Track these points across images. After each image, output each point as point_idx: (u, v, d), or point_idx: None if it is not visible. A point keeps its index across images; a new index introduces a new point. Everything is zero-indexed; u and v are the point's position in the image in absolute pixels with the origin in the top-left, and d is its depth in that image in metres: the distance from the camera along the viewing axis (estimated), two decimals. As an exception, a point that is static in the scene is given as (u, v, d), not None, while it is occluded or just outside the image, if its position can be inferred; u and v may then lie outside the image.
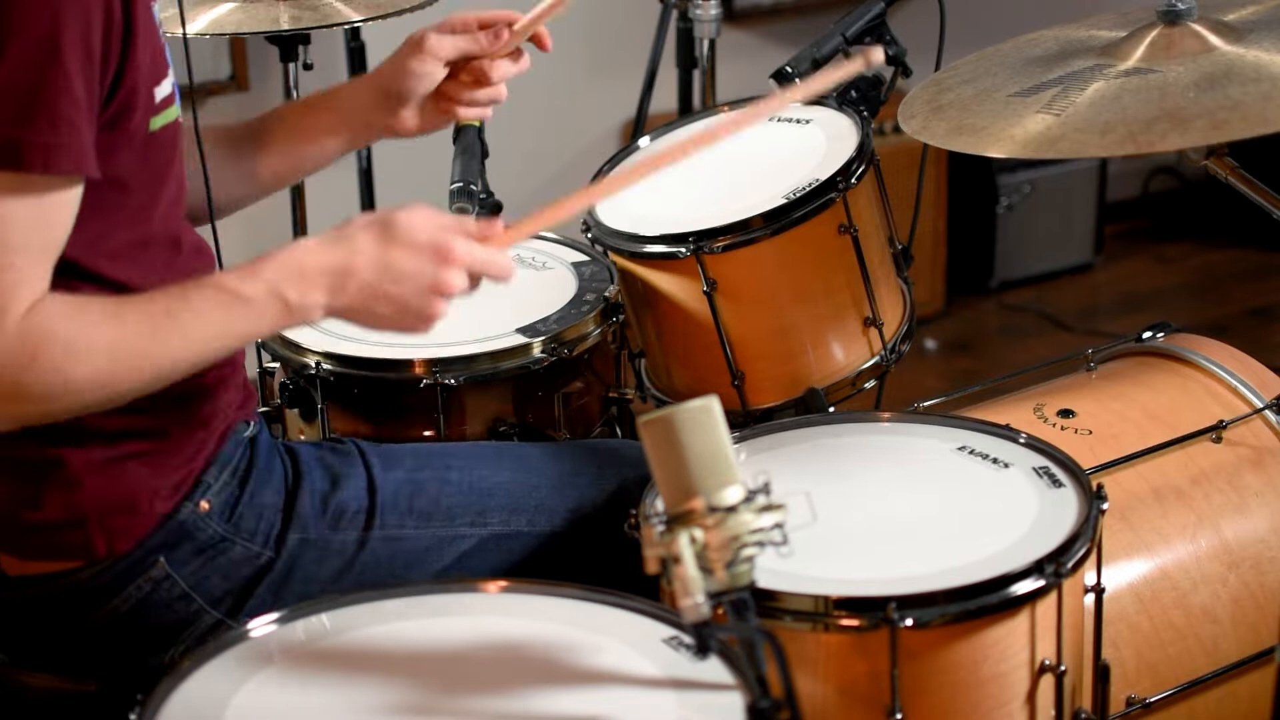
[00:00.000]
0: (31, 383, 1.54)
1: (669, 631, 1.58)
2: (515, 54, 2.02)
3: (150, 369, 1.59)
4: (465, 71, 2.01)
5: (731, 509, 1.43)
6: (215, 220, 1.97)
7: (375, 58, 3.44)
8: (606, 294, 2.24)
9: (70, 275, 1.64)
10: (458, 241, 1.63)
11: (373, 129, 2.04)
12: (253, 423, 1.85)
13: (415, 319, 1.64)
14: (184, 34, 1.91)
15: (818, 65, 2.46)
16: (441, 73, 1.99)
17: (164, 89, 1.70)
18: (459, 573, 1.87)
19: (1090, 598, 1.84)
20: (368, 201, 3.50)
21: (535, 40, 2.02)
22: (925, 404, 2.16)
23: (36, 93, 1.53)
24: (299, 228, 3.05)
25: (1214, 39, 1.90)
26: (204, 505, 1.77)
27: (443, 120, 2.05)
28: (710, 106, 2.81)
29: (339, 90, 2.03)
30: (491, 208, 2.49)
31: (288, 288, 1.61)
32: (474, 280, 1.66)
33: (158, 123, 1.69)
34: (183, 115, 1.78)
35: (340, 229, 1.65)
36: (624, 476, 1.97)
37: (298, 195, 3.02)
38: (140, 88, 1.65)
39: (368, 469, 1.89)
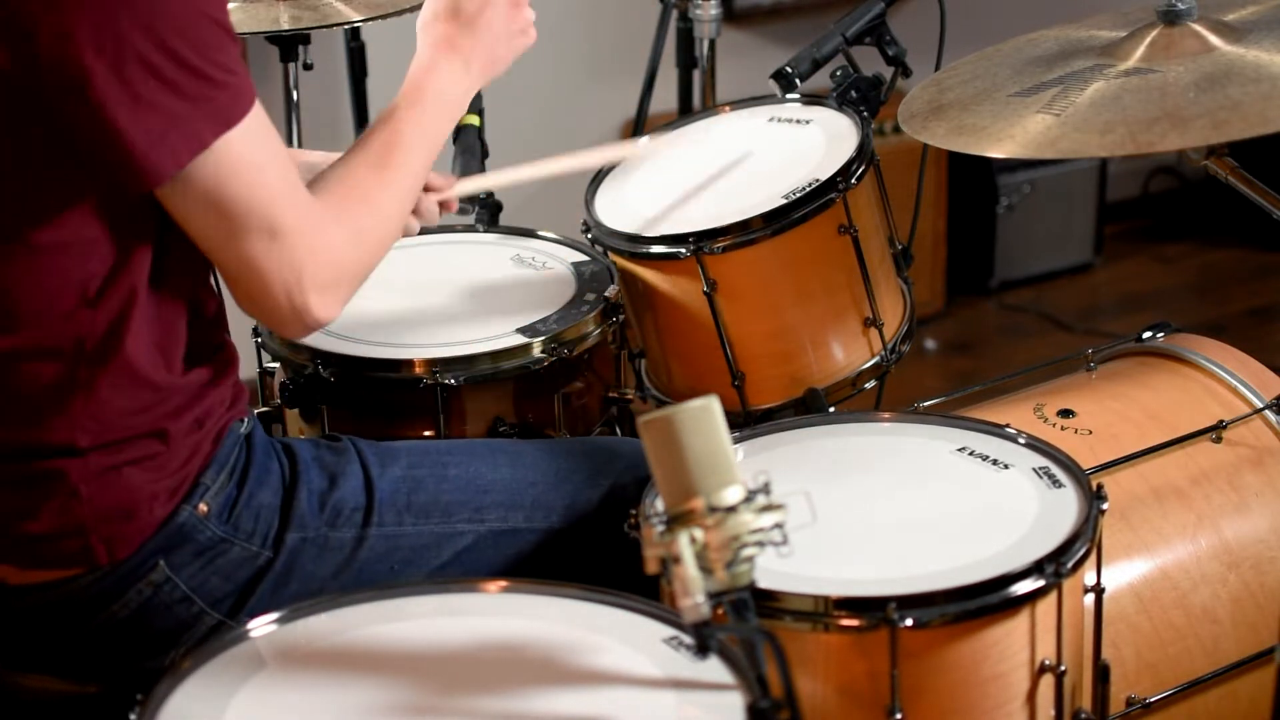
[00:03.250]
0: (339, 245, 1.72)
1: (669, 631, 1.58)
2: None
3: (385, 228, 1.80)
4: None
5: (731, 509, 1.43)
6: None
7: (375, 58, 3.45)
8: (606, 294, 2.24)
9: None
10: None
11: None
12: (246, 419, 1.85)
13: (523, 31, 2.02)
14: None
15: (817, 65, 2.46)
16: None
17: None
18: (457, 570, 1.88)
19: (1090, 598, 1.84)
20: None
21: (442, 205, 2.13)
22: (925, 404, 2.16)
23: (222, 42, 1.63)
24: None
25: (1214, 39, 1.90)
26: (202, 508, 1.77)
27: None
28: (710, 106, 2.81)
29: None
30: (492, 208, 2.50)
31: (440, 70, 1.92)
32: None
33: None
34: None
35: (421, 32, 1.96)
36: (622, 473, 1.97)
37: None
38: None
39: (365, 466, 1.89)
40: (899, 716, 1.64)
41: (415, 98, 1.88)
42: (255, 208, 1.65)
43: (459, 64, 1.93)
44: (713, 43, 3.09)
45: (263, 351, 2.23)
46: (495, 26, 1.96)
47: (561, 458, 2.00)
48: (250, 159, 1.65)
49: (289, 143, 2.95)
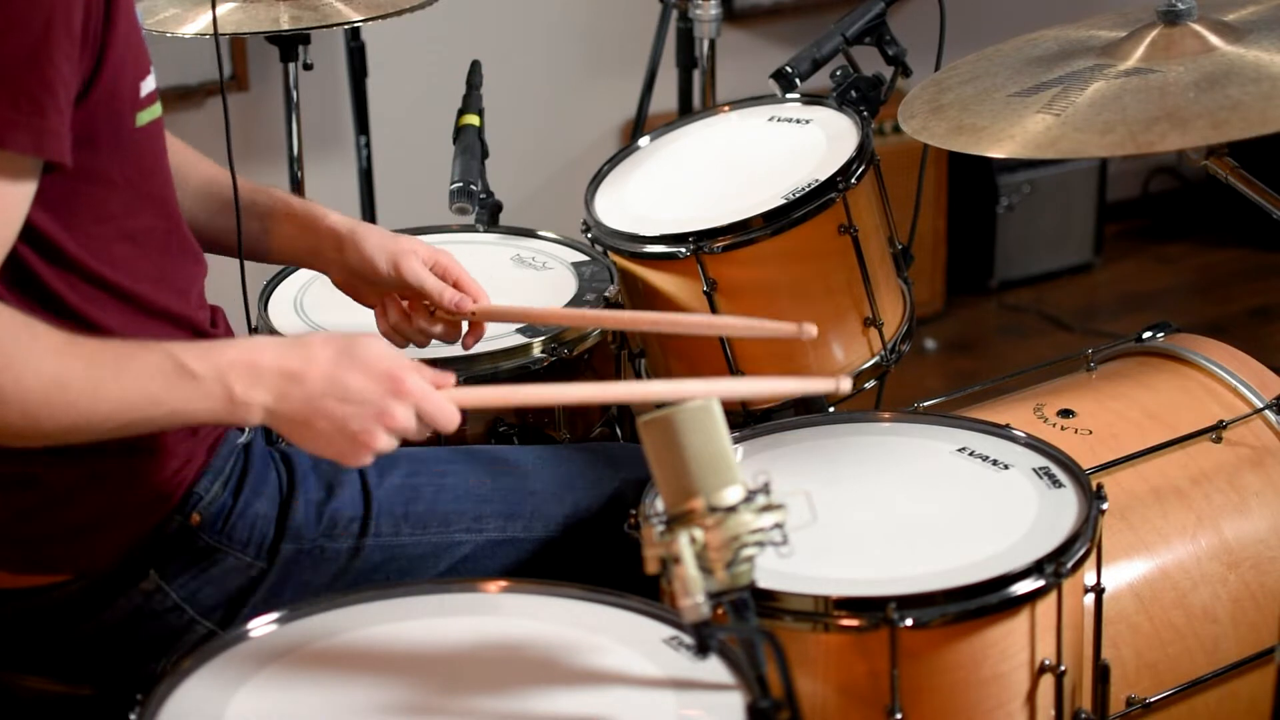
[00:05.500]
0: None
1: (669, 631, 1.58)
2: (456, 328, 2.03)
3: (81, 415, 1.54)
4: (410, 300, 2.03)
5: (731, 509, 1.43)
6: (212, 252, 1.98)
7: (375, 58, 3.46)
8: (606, 294, 2.23)
9: (62, 266, 1.64)
10: (412, 377, 1.60)
11: (325, 268, 2.06)
12: (246, 430, 1.84)
13: (352, 444, 1.58)
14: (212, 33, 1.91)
15: (817, 65, 2.46)
16: (394, 287, 2.01)
17: (148, 84, 1.70)
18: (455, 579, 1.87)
19: (1090, 598, 1.84)
20: (368, 201, 3.50)
21: (473, 331, 2.04)
22: (925, 404, 2.16)
23: (3, 70, 1.51)
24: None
25: (1214, 39, 1.90)
26: (195, 517, 1.76)
27: (368, 305, 2.06)
28: (710, 106, 2.81)
29: (320, 223, 2.03)
30: (491, 208, 2.50)
31: (235, 378, 1.56)
32: (419, 423, 1.62)
33: (144, 118, 1.69)
34: (179, 114, 1.78)
35: (301, 338, 1.61)
36: (621, 480, 1.96)
37: (298, 193, 3.00)
38: (123, 79, 1.64)
39: (362, 475, 1.87)
40: (899, 716, 1.64)
41: (198, 365, 1.56)
42: None
43: (249, 399, 1.57)
44: (713, 43, 3.09)
45: (263, 351, 2.22)
46: (350, 403, 1.59)
47: (561, 465, 2.00)
48: None
49: (289, 142, 2.95)
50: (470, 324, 2.03)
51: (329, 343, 1.60)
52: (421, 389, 1.60)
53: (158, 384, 1.55)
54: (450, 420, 1.62)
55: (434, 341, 2.09)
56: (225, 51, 3.65)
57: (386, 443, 1.59)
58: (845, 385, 1.73)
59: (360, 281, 2.02)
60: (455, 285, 2.01)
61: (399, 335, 2.04)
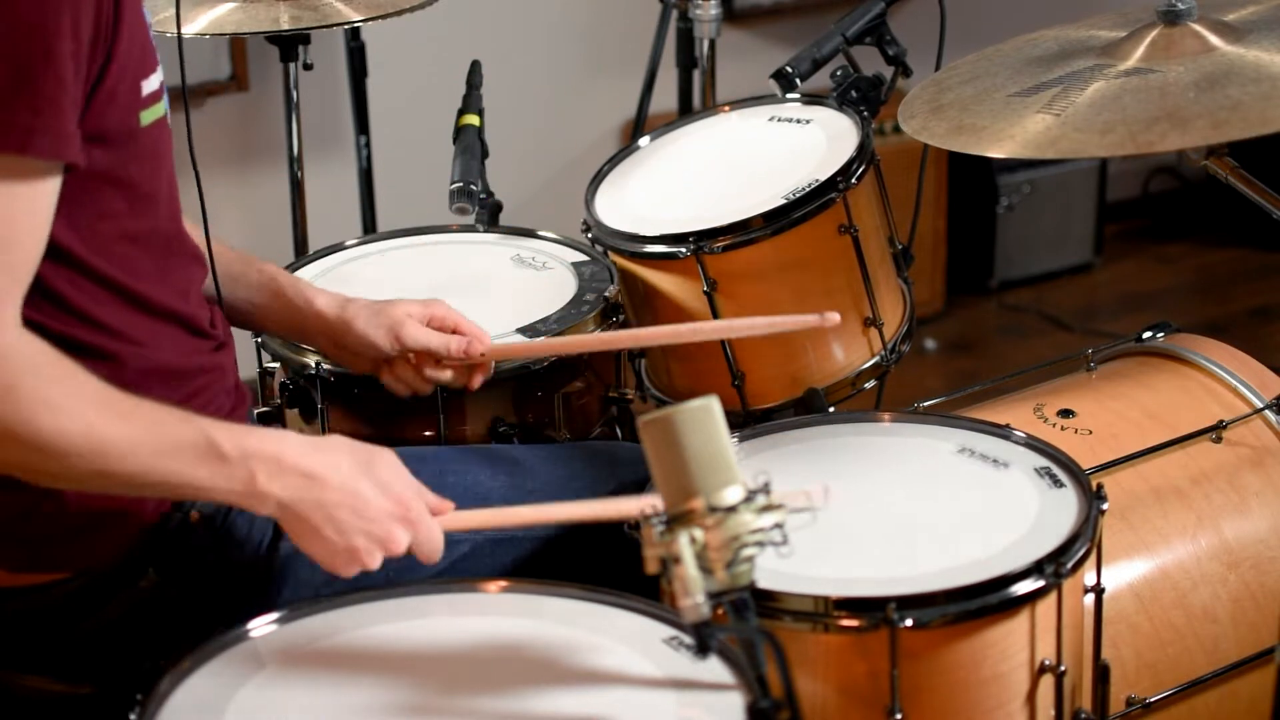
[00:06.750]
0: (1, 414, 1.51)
1: (669, 631, 1.58)
2: (471, 370, 2.04)
3: (109, 469, 1.55)
4: (416, 357, 2.03)
5: (731, 509, 1.43)
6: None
7: (375, 58, 3.46)
8: (606, 294, 2.23)
9: (64, 264, 1.64)
10: (418, 504, 1.63)
11: (314, 345, 2.09)
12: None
13: (349, 558, 1.60)
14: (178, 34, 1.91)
15: (818, 65, 2.46)
16: (398, 354, 2.03)
17: (152, 83, 1.70)
18: (455, 577, 1.87)
19: (1090, 598, 1.84)
20: (367, 201, 3.50)
21: (481, 369, 2.04)
22: (925, 404, 2.16)
23: (21, 74, 1.52)
24: (299, 227, 3.05)
25: (1214, 39, 1.90)
26: (194, 515, 1.76)
27: (373, 372, 2.07)
28: (710, 106, 2.81)
29: (309, 307, 2.04)
30: (491, 208, 2.49)
31: (260, 467, 1.58)
32: (410, 550, 1.64)
33: (148, 118, 1.69)
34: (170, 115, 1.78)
35: (324, 441, 1.64)
36: (621, 479, 1.96)
37: (298, 193, 3.02)
38: (128, 79, 1.64)
39: None
40: (899, 716, 1.64)
41: (229, 448, 1.58)
42: None
43: (268, 490, 1.59)
44: (713, 43, 3.09)
45: (263, 351, 2.23)
46: (362, 519, 1.61)
47: (560, 464, 1.99)
48: None
49: (289, 142, 2.95)
50: (477, 365, 2.04)
51: (352, 453, 1.63)
52: (423, 518, 1.64)
53: (187, 459, 1.57)
54: (436, 553, 1.65)
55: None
56: (224, 52, 3.66)
57: (377, 563, 1.62)
58: (834, 317, 1.84)
59: (358, 358, 2.04)
60: (454, 331, 2.02)
61: (409, 388, 2.05)
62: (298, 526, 1.60)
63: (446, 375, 2.03)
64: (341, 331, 2.02)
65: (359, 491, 1.60)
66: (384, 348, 2.01)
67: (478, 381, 2.05)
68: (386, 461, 1.64)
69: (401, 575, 1.84)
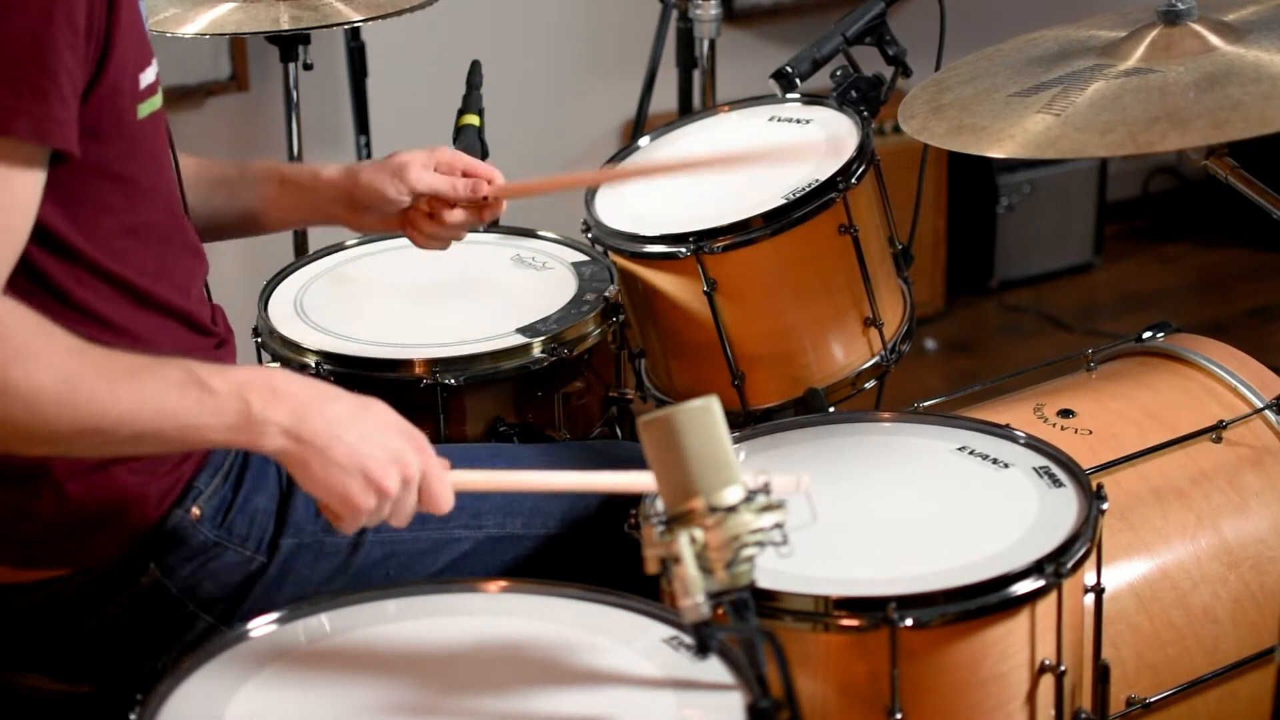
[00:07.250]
0: None
1: (669, 631, 1.58)
2: (482, 208, 2.06)
3: (92, 418, 1.50)
4: (428, 203, 2.06)
5: (731, 509, 1.43)
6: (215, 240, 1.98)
7: (375, 58, 3.46)
8: (606, 294, 2.23)
9: (66, 258, 1.64)
10: (430, 447, 1.60)
11: (332, 220, 2.10)
12: None
13: (363, 486, 1.54)
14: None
15: (818, 65, 2.46)
16: (408, 200, 2.05)
17: (148, 75, 1.70)
18: (455, 575, 1.87)
19: (1090, 598, 1.84)
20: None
21: (491, 207, 2.07)
22: (925, 404, 2.16)
23: (3, 58, 1.51)
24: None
25: (1214, 39, 1.90)
26: (195, 512, 1.76)
27: (395, 229, 2.11)
28: (710, 106, 2.81)
29: (316, 180, 2.07)
30: (492, 208, 2.49)
31: (254, 395, 1.53)
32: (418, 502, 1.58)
33: (144, 110, 1.69)
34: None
35: (319, 381, 1.60)
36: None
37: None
38: (126, 71, 1.64)
39: None
40: (899, 716, 1.64)
41: (216, 380, 1.53)
42: None
43: (267, 416, 1.54)
44: (713, 43, 3.09)
45: (263, 351, 2.23)
46: (370, 441, 1.56)
47: (560, 463, 1.99)
48: None
49: (289, 142, 2.95)
50: (486, 205, 2.07)
51: (348, 393, 1.60)
52: (435, 460, 1.59)
53: (173, 395, 1.51)
54: (447, 502, 1.60)
55: (436, 341, 2.08)
56: (224, 52, 3.66)
57: (395, 485, 1.55)
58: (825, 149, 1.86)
59: (374, 215, 2.06)
60: (464, 173, 2.05)
61: (437, 241, 2.09)
62: (305, 455, 1.54)
63: (459, 216, 2.06)
64: (351, 189, 2.04)
65: (366, 418, 1.57)
66: (392, 195, 2.03)
67: (488, 217, 2.09)
68: (385, 406, 1.61)
69: (402, 575, 1.85)
